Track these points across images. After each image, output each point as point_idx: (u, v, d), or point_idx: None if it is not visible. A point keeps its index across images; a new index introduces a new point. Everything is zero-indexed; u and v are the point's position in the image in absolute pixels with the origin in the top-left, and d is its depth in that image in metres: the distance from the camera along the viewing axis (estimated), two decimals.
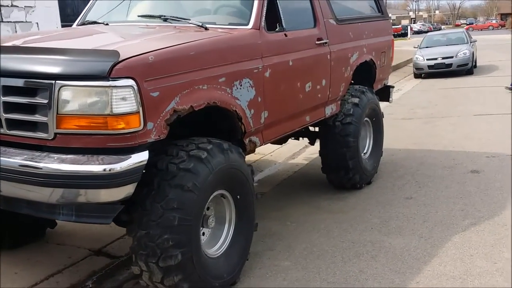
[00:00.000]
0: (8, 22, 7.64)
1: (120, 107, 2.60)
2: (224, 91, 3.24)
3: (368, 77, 5.54)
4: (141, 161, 2.69)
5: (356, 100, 5.02)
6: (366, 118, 5.33)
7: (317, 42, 4.32)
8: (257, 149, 3.72)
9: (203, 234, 3.23)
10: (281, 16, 3.88)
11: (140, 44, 3.05)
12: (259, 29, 3.62)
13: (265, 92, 3.64)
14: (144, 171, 2.75)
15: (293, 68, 3.96)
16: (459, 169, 5.82)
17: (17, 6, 7.74)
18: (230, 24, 3.68)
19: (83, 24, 4.19)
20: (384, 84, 6.02)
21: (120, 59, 2.62)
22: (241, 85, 3.38)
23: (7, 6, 7.59)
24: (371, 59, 5.33)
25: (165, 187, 2.85)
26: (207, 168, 2.98)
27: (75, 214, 2.80)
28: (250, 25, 3.61)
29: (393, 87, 6.23)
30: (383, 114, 5.73)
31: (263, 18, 3.68)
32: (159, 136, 2.80)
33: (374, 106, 5.37)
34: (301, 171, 6.21)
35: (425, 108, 10.13)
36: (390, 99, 6.19)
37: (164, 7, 3.95)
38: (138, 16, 3.92)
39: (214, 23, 3.68)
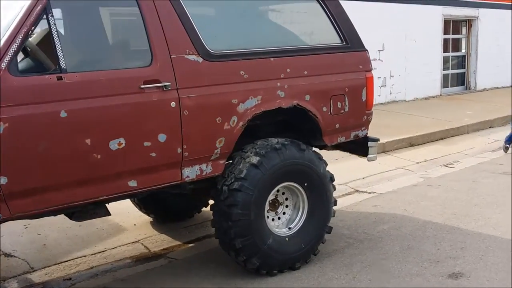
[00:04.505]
0: None
1: None
2: None
3: (309, 128, 4.18)
4: None
5: (255, 159, 3.75)
6: (289, 183, 3.99)
7: (143, 85, 3.29)
8: None
9: None
10: (58, 54, 3.02)
11: None
12: None
13: None
14: None
15: (70, 121, 3.04)
16: (442, 267, 4.00)
17: None
18: None
19: None
20: (356, 136, 4.48)
21: None
22: None
23: None
24: (299, 104, 3.97)
25: None
26: None
27: None
28: None
29: (376, 140, 4.56)
30: (332, 177, 4.22)
31: (7, 58, 2.88)
32: None
33: (302, 168, 3.97)
34: None
35: None
36: (370, 155, 4.55)
37: None
38: None
39: None
